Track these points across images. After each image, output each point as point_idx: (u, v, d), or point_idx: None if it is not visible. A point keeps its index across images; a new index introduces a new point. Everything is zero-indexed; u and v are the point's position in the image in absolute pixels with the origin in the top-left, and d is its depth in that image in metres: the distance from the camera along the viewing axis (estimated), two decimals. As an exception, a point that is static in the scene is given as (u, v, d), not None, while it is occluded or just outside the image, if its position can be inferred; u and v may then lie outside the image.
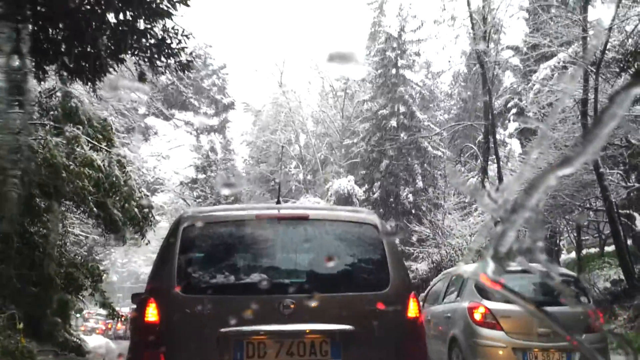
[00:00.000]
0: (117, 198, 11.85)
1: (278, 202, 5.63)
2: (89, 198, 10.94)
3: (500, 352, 8.47)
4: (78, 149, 11.50)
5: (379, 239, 4.48)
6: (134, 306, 4.59)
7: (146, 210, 12.89)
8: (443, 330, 9.68)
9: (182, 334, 4.12)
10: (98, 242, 20.36)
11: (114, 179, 11.40)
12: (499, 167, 20.03)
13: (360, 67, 37.64)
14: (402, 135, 33.10)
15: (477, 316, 8.70)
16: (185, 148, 41.88)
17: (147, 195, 13.85)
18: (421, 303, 9.76)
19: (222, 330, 4.02)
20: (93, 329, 33.89)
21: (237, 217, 4.67)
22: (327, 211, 5.60)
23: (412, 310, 4.35)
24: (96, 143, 12.05)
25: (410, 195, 32.58)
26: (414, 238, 28.12)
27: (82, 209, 12.09)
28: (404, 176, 33.57)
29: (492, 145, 20.66)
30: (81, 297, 14.78)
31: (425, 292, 12.32)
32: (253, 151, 43.00)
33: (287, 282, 4.30)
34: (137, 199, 12.45)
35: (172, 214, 43.43)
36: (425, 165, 34.15)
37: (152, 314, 4.14)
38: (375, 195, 33.03)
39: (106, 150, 11.93)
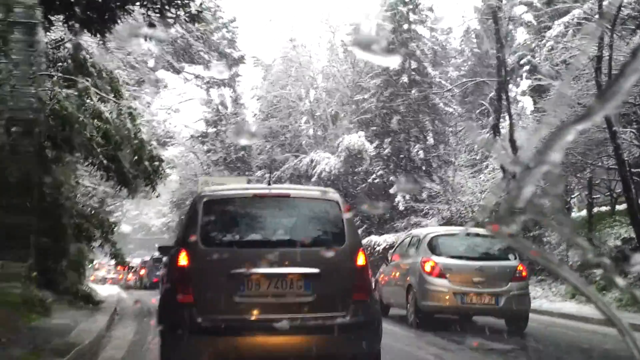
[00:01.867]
0: (128, 151, 11.84)
1: (269, 184, 7.75)
2: (98, 150, 10.94)
3: (444, 295, 11.20)
4: (88, 101, 11.46)
5: (339, 212, 6.41)
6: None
7: (157, 163, 12.88)
8: (403, 278, 12.48)
9: (203, 273, 6.00)
10: (109, 194, 20.46)
11: (125, 131, 11.38)
12: (511, 124, 19.83)
13: (372, 21, 37.27)
14: (413, 91, 32.79)
15: (428, 268, 11.44)
16: (195, 102, 41.78)
17: (157, 148, 13.80)
18: (389, 257, 14.30)
19: (232, 271, 5.88)
20: (104, 278, 34.36)
21: (240, 194, 6.85)
22: (303, 191, 7.38)
23: (361, 260, 6.26)
24: (104, 95, 11.98)
25: (420, 152, 32.40)
26: (424, 194, 28.12)
27: (91, 161, 12.09)
28: (414, 133, 33.36)
29: (505, 102, 20.43)
30: (92, 248, 14.91)
31: (393, 249, 15.13)
32: (263, 106, 42.73)
33: (274, 240, 6.32)
34: (148, 151, 12.43)
35: (183, 167, 43.63)
36: (436, 122, 33.88)
37: (183, 259, 5.97)
38: (386, 151, 32.89)
39: (115, 102, 11.88)
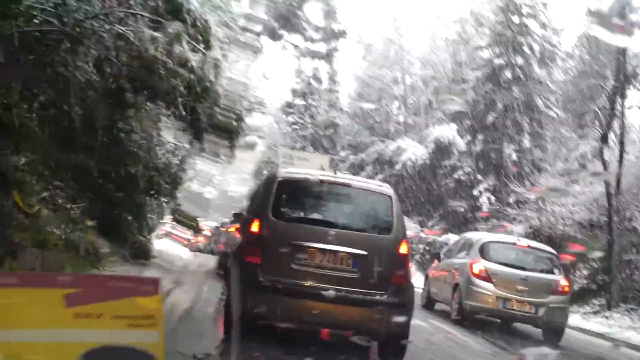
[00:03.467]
0: (208, 104, 11.14)
1: (335, 173, 8.14)
2: (179, 100, 10.28)
3: (487, 298, 11.93)
4: (177, 48, 10.79)
5: (391, 205, 7.35)
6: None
7: (235, 122, 12.17)
8: (451, 277, 13.24)
9: (270, 240, 6.93)
10: (190, 154, 19.98)
11: (207, 83, 10.68)
12: (622, 137, 18.10)
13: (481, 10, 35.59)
14: (514, 89, 31.08)
15: (476, 270, 12.24)
16: (289, 72, 41.22)
17: (239, 107, 13.03)
18: (441, 255, 15.55)
19: (293, 242, 6.86)
20: (169, 233, 34.24)
21: (309, 178, 7.52)
22: (363, 183, 8.08)
23: (403, 249, 7.17)
24: (195, 44, 11.29)
25: (513, 153, 30.72)
26: (511, 198, 26.69)
27: (172, 111, 11.44)
28: (510, 132, 31.62)
29: (619, 111, 18.64)
30: (161, 203, 14.38)
31: (445, 249, 16.58)
32: (359, 86, 41.82)
33: (332, 221, 7.17)
34: (228, 107, 11.71)
35: (268, 136, 43.29)
36: (534, 124, 32.00)
37: (255, 227, 7.04)
38: (477, 148, 31.39)
39: (203, 53, 11.16)
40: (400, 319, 6.94)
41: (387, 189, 7.78)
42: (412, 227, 30.57)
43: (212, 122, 11.82)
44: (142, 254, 13.43)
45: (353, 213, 7.51)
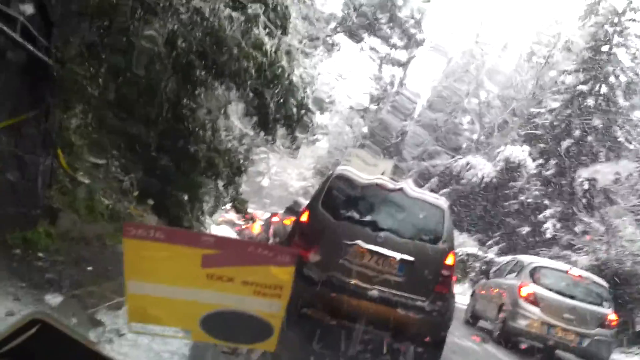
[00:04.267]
0: (277, 91, 10.94)
1: (395, 180, 8.20)
2: (248, 83, 10.12)
3: (532, 322, 11.79)
4: (254, 29, 10.63)
5: (443, 217, 7.48)
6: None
7: (303, 111, 11.91)
8: (498, 296, 13.27)
9: (318, 233, 7.11)
10: (257, 144, 19.82)
11: (279, 69, 10.48)
12: None
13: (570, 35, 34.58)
14: (595, 117, 29.94)
15: (524, 293, 12.13)
16: (364, 74, 40.83)
17: (308, 98, 12.73)
18: (490, 274, 15.48)
19: (344, 240, 6.98)
20: (230, 221, 34.28)
21: (366, 180, 7.58)
22: (419, 193, 8.12)
23: (450, 260, 7.23)
24: (273, 28, 11.11)
25: (586, 182, 29.57)
26: (578, 227, 25.73)
27: (239, 93, 11.28)
28: (584, 161, 30.46)
29: None
30: (218, 186, 14.16)
31: (495, 268, 16.18)
32: (433, 96, 41.25)
33: (383, 225, 7.22)
34: (297, 96, 11.48)
35: (335, 136, 43.06)
36: (610, 155, 30.73)
37: (304, 217, 7.32)
38: (548, 173, 30.38)
39: (278, 39, 10.96)
40: (438, 327, 7.19)
41: (442, 202, 8.02)
42: (470, 244, 29.94)
43: (279, 110, 11.64)
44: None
45: (405, 220, 7.55)
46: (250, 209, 25.56)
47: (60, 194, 7.99)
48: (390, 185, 7.63)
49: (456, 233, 31.27)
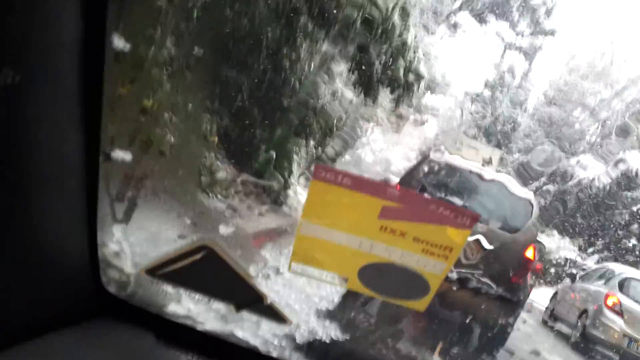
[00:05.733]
0: (384, 48, 10.26)
1: (495, 170, 8.45)
2: (353, 33, 9.50)
3: (613, 333, 11.57)
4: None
5: (530, 211, 7.80)
6: None
7: (412, 76, 11.16)
8: (582, 301, 13.11)
9: None
10: (357, 107, 19.05)
11: (389, 25, 9.82)
12: None
13: None
14: None
15: (610, 302, 11.95)
16: (484, 59, 39.48)
17: (421, 62, 11.86)
18: (577, 276, 15.57)
19: None
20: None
21: (459, 166, 7.82)
22: (511, 184, 8.16)
23: (529, 253, 7.58)
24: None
25: None
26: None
27: (340, 48, 10.60)
28: None
29: None
30: (310, 146, 13.48)
31: (582, 272, 16.27)
32: (551, 90, 39.49)
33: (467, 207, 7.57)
34: (407, 58, 10.73)
35: (445, 119, 41.91)
36: None
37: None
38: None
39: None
40: (508, 315, 7.52)
41: (532, 196, 8.44)
42: (569, 248, 28.73)
43: (385, 71, 10.96)
44: (272, 196, 12.33)
45: (492, 210, 7.80)
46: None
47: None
48: (485, 173, 8.04)
49: (556, 236, 29.87)
